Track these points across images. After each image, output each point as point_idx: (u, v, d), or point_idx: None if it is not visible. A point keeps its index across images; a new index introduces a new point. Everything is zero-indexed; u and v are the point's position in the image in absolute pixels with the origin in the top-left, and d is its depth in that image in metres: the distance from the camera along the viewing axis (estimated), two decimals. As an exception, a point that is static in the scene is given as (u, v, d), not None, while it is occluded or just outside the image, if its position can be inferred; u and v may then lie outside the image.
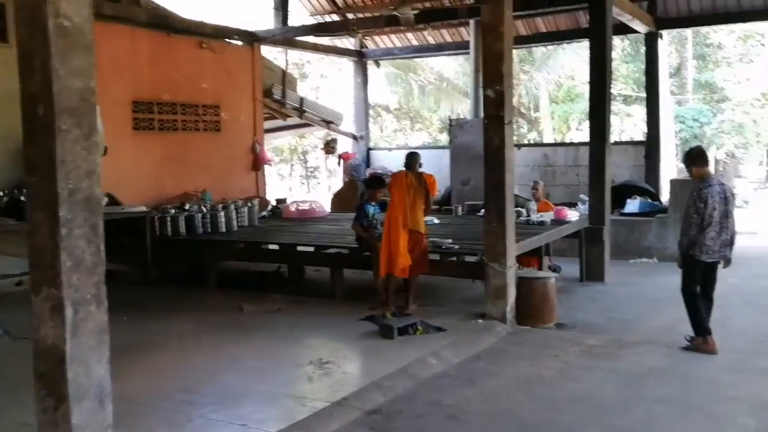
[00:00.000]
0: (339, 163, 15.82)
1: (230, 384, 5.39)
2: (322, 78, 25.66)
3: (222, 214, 10.09)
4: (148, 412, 4.78)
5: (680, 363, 5.96)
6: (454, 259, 8.08)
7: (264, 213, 11.93)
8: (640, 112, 23.49)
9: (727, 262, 6.38)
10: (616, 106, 14.42)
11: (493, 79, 7.09)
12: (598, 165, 10.28)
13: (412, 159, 7.99)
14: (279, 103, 13.87)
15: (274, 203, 12.85)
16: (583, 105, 24.74)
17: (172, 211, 9.80)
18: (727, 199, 6.22)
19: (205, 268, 9.36)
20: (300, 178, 34.93)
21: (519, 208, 10.28)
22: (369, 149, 16.29)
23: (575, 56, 24.02)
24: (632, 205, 12.37)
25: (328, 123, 15.36)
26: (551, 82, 24.64)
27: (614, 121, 10.76)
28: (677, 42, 24.29)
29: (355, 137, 16.19)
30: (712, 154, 24.67)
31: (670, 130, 16.89)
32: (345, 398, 5.02)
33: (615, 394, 5.28)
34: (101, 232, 3.71)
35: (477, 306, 7.62)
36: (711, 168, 6.96)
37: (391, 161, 15.80)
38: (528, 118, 28.05)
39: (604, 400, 5.17)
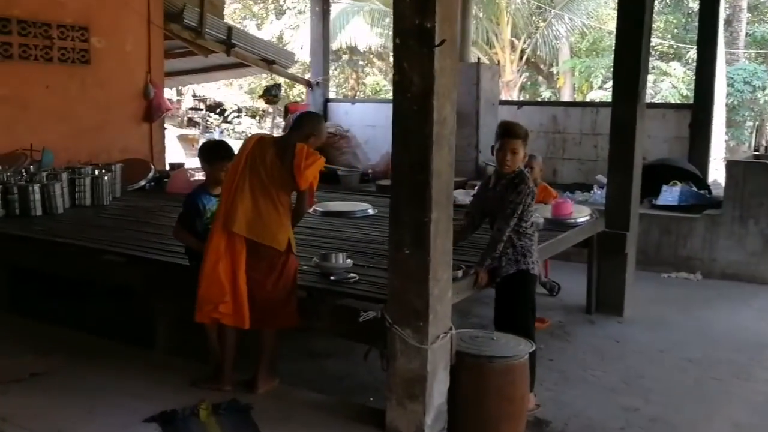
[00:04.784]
0: (286, 117, 12.17)
1: None
2: (300, 14, 21.68)
3: (36, 188, 6.53)
4: None
5: None
6: (350, 302, 4.30)
7: (143, 182, 8.39)
8: (679, 71, 19.50)
9: None
10: (650, 62, 10.80)
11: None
12: (625, 133, 6.57)
13: (299, 123, 4.35)
14: (194, 31, 10.20)
15: (168, 169, 9.28)
16: (610, 60, 20.74)
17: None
18: None
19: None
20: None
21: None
22: (327, 101, 12.52)
23: (603, 1, 20.07)
24: (670, 193, 8.63)
25: (270, 63, 11.66)
26: (574, 31, 20.57)
27: (648, 79, 7.15)
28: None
29: (309, 84, 12.46)
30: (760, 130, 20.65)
31: (721, 93, 12.95)
32: None
33: None
34: None
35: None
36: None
37: (353, 117, 12.13)
38: (544, 74, 24.01)
39: None
